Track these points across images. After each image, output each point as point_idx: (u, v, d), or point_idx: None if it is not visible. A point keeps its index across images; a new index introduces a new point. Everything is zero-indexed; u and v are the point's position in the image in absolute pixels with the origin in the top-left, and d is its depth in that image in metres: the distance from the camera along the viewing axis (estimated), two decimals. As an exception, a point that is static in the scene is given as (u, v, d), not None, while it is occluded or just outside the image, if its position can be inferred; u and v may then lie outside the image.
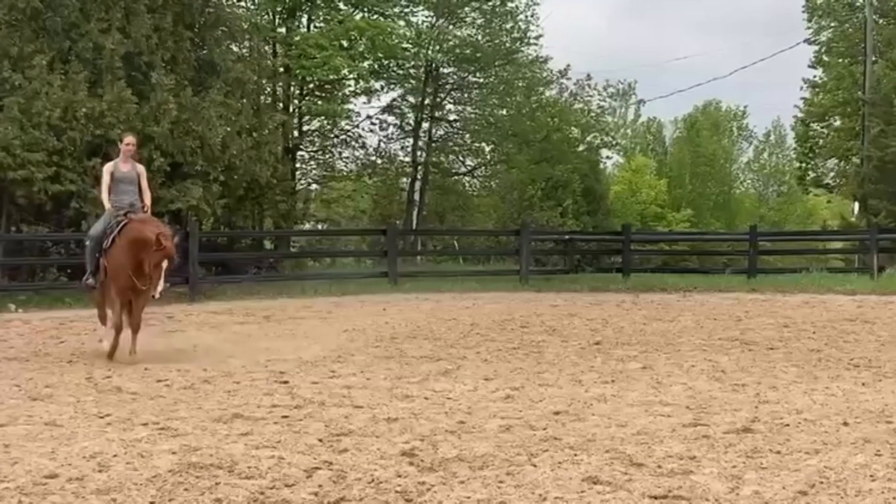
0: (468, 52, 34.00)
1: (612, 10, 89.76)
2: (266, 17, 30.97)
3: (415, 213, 35.19)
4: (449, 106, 35.82)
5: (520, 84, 34.50)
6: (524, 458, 6.56)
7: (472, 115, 35.48)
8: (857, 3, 40.95)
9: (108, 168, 12.20)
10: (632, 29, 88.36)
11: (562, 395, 9.27)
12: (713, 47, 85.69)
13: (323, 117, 32.91)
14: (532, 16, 34.72)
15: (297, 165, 31.64)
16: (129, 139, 12.62)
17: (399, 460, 6.54)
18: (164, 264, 11.26)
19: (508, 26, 34.50)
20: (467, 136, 35.98)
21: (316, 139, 33.94)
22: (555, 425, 7.79)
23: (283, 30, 31.35)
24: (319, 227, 36.29)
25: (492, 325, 15.72)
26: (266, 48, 29.79)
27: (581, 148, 34.76)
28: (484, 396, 9.27)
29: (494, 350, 12.68)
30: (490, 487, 5.87)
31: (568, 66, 36.03)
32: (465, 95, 35.53)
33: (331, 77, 31.21)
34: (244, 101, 24.95)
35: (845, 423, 7.78)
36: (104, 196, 12.00)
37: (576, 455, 6.66)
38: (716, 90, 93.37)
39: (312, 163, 34.42)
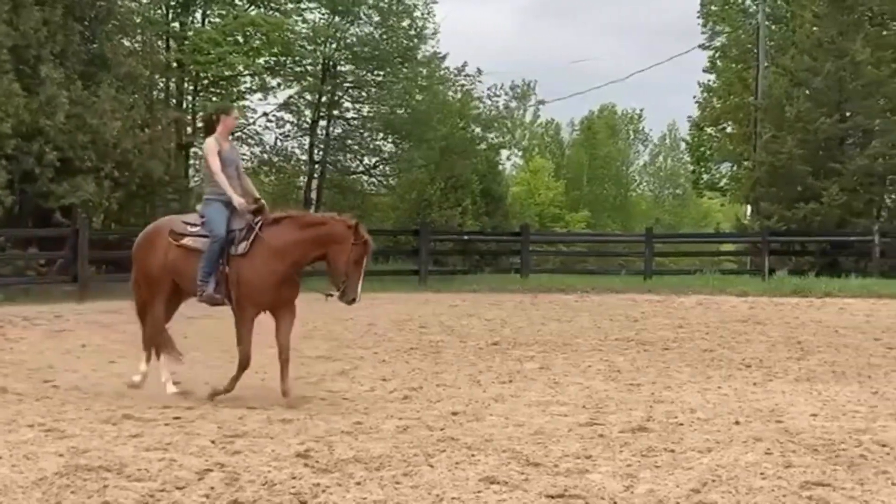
0: (366, 49, 33.85)
1: (523, 13, 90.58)
2: (159, 11, 30.36)
3: (311, 211, 34.82)
4: (347, 104, 35.62)
5: (419, 82, 34.45)
6: (421, 459, 6.51)
7: (371, 114, 35.30)
8: (751, 10, 41.90)
9: (214, 146, 9.42)
10: (542, 31, 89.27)
11: (460, 396, 9.27)
12: (620, 50, 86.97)
13: (217, 114, 32.34)
14: (428, 13, 34.71)
15: (191, 162, 31.08)
16: (236, 113, 10.95)
17: (294, 462, 6.42)
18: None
19: (405, 24, 34.41)
20: (366, 134, 35.81)
21: (210, 136, 33.32)
22: (452, 425, 7.76)
23: (177, 24, 30.79)
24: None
25: (390, 325, 15.66)
26: (159, 43, 29.24)
27: (481, 147, 34.82)
28: (381, 397, 9.23)
29: (392, 350, 12.63)
30: (386, 488, 5.80)
31: (465, 63, 36.04)
32: (364, 93, 35.36)
33: (225, 73, 30.81)
34: (136, 96, 24.45)
35: (737, 422, 7.90)
36: (224, 181, 9.31)
37: (473, 455, 6.63)
38: (616, 93, 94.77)
39: (206, 161, 33.78)
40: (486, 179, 33.72)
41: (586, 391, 9.58)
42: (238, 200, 9.27)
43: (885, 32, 37.38)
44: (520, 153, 52.68)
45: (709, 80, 43.64)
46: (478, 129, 35.36)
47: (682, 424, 7.83)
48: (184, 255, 9.26)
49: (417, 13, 34.38)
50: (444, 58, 35.30)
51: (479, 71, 35.22)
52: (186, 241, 9.27)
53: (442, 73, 35.05)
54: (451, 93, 35.42)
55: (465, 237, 29.84)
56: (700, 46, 43.40)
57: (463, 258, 29.62)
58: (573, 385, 9.96)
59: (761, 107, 37.36)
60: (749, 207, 39.33)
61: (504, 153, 39.58)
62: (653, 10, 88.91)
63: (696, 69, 44.32)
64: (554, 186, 49.63)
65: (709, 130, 44.42)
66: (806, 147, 34.07)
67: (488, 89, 36.13)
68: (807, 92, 34.92)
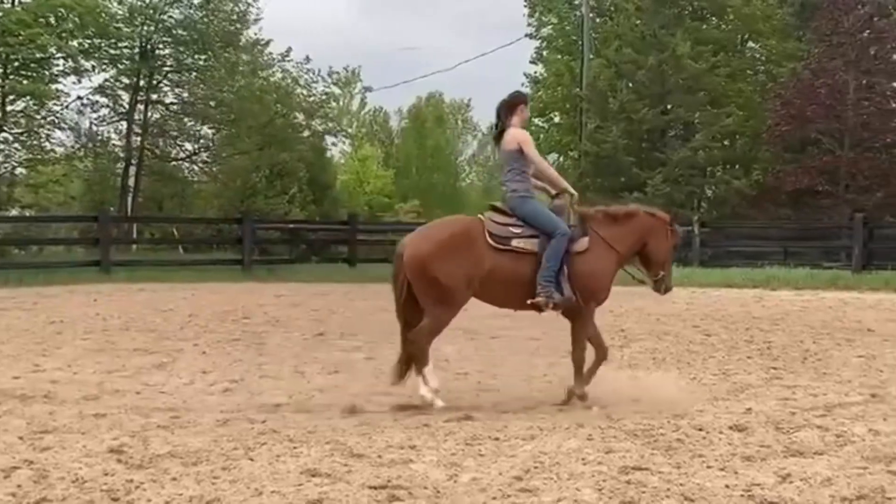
0: (186, 32, 33.07)
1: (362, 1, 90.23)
2: (-35, -9, 29.01)
3: (130, 199, 33.93)
4: (166, 88, 34.75)
5: (242, 67, 33.88)
6: (241, 452, 6.34)
7: (192, 98, 34.53)
8: (576, 1, 42.77)
9: (530, 137, 8.70)
10: (380, 19, 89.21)
11: (283, 388, 9.10)
12: (456, 40, 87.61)
13: (29, 97, 31.13)
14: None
15: (1, 148, 29.76)
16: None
17: (106, 458, 6.18)
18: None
19: (228, 8, 33.79)
20: (186, 119, 35.00)
21: (21, 120, 32.04)
22: (275, 418, 7.61)
23: (-15, 5, 29.46)
24: (26, 213, 34.36)
25: (211, 316, 15.32)
26: (-34, 24, 27.89)
27: (306, 134, 34.49)
28: (201, 390, 8.98)
29: (213, 342, 12.31)
30: (203, 483, 5.63)
31: (289, 48, 35.61)
32: (184, 77, 34.55)
33: (37, 55, 29.56)
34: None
35: (561, 410, 7.96)
36: (555, 174, 8.84)
37: (295, 448, 6.50)
38: (446, 83, 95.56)
39: (17, 145, 32.46)
40: (314, 168, 33.49)
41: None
42: (572, 192, 8.73)
43: (704, 27, 38.83)
44: (347, 141, 52.51)
45: (535, 72, 44.40)
46: (301, 116, 35.00)
47: (507, 412, 7.85)
48: (511, 261, 8.35)
49: (240, -4, 33.86)
50: (267, 43, 34.86)
51: (308, 58, 34.91)
52: (517, 243, 8.35)
53: (265, 58, 34.56)
54: (273, 79, 34.98)
55: (291, 226, 29.50)
56: (527, 36, 44.11)
57: (289, 247, 29.28)
58: (399, 375, 9.88)
59: (586, 98, 38.22)
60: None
61: (330, 140, 39.32)
62: (489, 2, 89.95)
63: (526, 60, 45.05)
64: (383, 175, 49.65)
65: (536, 121, 45.18)
66: (630, 138, 35.14)
67: (306, 73, 35.80)
68: (630, 84, 35.97)
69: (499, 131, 8.70)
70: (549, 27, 44.28)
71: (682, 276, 23.27)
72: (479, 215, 8.52)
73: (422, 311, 8.45)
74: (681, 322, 15.06)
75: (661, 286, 8.99)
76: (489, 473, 5.88)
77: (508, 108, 8.69)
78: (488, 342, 12.64)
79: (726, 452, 6.33)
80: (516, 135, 8.55)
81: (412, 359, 8.46)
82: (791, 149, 35.66)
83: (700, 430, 7.00)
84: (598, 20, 41.50)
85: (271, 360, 10.91)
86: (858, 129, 34.44)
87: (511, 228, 8.34)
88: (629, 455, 6.27)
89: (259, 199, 30.20)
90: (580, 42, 39.95)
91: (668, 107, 35.68)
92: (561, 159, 43.89)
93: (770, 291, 21.02)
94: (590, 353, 8.61)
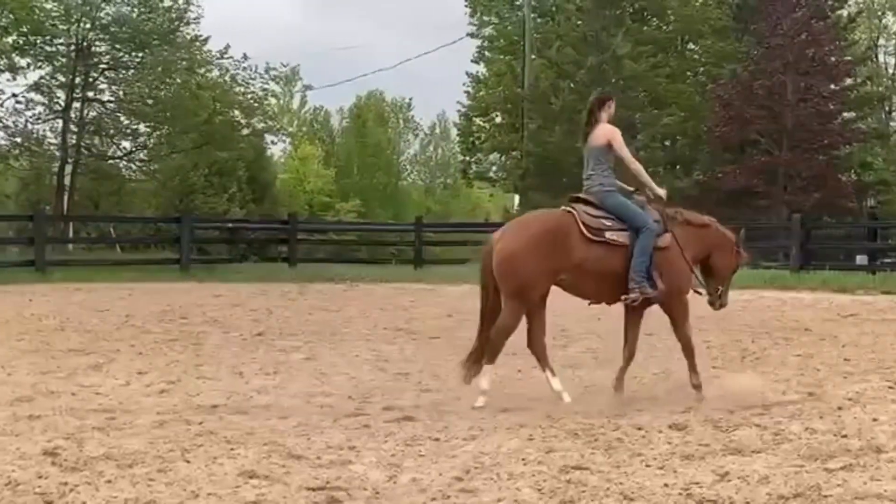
0: (123, 29, 32.65)
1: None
2: None
3: (66, 198, 33.44)
4: (103, 86, 34.29)
5: (180, 65, 33.52)
6: (177, 454, 6.25)
7: (129, 96, 34.10)
8: (518, 2, 42.92)
9: (619, 133, 8.73)
10: (325, 18, 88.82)
11: (221, 389, 8.99)
12: (398, 39, 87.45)
13: (-42, 94, 30.62)
14: (191, -3, 33.89)
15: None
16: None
17: (40, 460, 6.07)
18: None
19: (166, 5, 33.43)
20: (122, 117, 34.57)
21: (-50, 117, 31.50)
22: (212, 419, 7.50)
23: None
24: (-42, 212, 33.77)
25: (149, 316, 15.15)
26: None
27: (245, 132, 34.20)
28: (137, 391, 8.85)
29: (150, 342, 12.16)
30: (139, 486, 5.55)
31: (227, 45, 35.24)
32: (121, 75, 34.12)
33: (-31, 52, 29.05)
34: None
35: (504, 410, 7.94)
36: (642, 170, 8.78)
37: (232, 449, 6.42)
38: (389, 81, 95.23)
39: (-54, 143, 31.94)
40: (253, 166, 33.24)
41: (353, 381, 9.47)
42: (660, 191, 8.76)
43: (645, 28, 39.15)
44: (288, 140, 52.24)
45: (477, 71, 44.47)
46: (240, 114, 34.70)
47: (448, 412, 7.82)
48: (604, 253, 8.36)
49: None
50: (206, 41, 34.51)
51: (245, 56, 34.59)
52: (610, 235, 8.37)
53: (203, 55, 34.21)
54: (211, 76, 34.66)
55: (230, 225, 29.26)
56: (469, 36, 44.17)
57: (228, 247, 29.04)
58: (340, 375, 9.83)
59: (528, 98, 38.35)
60: (518, 197, 40.31)
61: (270, 139, 38.99)
62: (433, 1, 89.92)
63: (468, 60, 45.14)
64: (323, 174, 49.39)
65: (478, 121, 45.26)
66: (572, 138, 35.20)
67: (244, 71, 35.49)
68: (572, 84, 36.12)
69: (586, 125, 8.76)
70: (491, 27, 44.39)
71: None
72: (568, 207, 8.54)
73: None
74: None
75: (717, 302, 9.12)
76: (429, 474, 5.85)
77: (599, 103, 8.78)
78: (430, 342, 12.61)
79: (665, 451, 6.35)
80: (606, 130, 8.63)
81: (485, 354, 8.39)
82: (730, 149, 36.11)
83: (640, 429, 7.01)
84: (539, 20, 41.67)
85: (209, 360, 10.79)
86: (796, 131, 34.95)
87: (603, 220, 8.40)
88: (569, 454, 6.27)
89: (198, 197, 29.90)
90: (522, 42, 40.08)
91: (610, 107, 35.93)
92: (503, 159, 43.99)
93: (709, 291, 21.18)
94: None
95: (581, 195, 8.60)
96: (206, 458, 6.19)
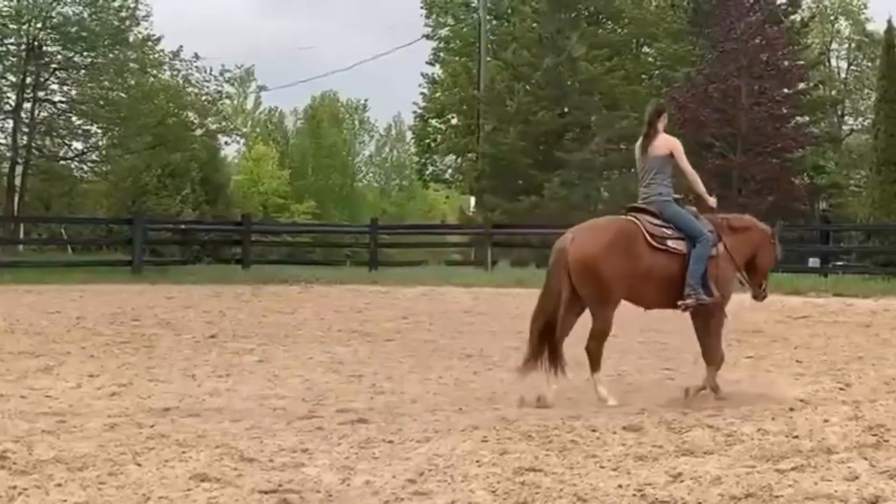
0: (73, 29, 32.28)
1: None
2: None
3: (16, 199, 33.01)
4: (54, 86, 33.92)
5: (132, 65, 33.19)
6: (128, 457, 6.19)
7: (81, 97, 33.71)
8: (473, 3, 42.95)
9: (680, 144, 9.20)
10: (282, 19, 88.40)
11: (173, 391, 8.92)
12: (357, 40, 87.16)
13: None
14: (140, -5, 33.58)
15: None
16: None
17: (-10, 464, 5.97)
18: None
19: (116, 4, 33.10)
20: (74, 118, 34.19)
21: None
22: (164, 422, 7.44)
23: None
24: None
25: (100, 318, 14.97)
26: None
27: (198, 133, 33.93)
28: (88, 394, 8.76)
29: (102, 345, 12.02)
30: (90, 489, 5.49)
31: (181, 46, 34.94)
32: (73, 75, 33.74)
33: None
34: None
35: (459, 410, 7.93)
36: (698, 180, 9.16)
37: (184, 452, 6.36)
38: (344, 83, 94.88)
39: None
40: (207, 167, 32.99)
41: (307, 384, 9.43)
42: (712, 200, 9.13)
43: (600, 31, 39.33)
44: (242, 141, 51.94)
45: (433, 73, 44.46)
46: (193, 115, 34.43)
47: (402, 415, 7.79)
48: (666, 261, 8.68)
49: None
50: (158, 40, 34.21)
51: (197, 56, 34.30)
52: (672, 243, 8.71)
53: (156, 56, 33.90)
54: (163, 77, 34.37)
55: (183, 226, 29.03)
56: (425, 37, 44.15)
57: (181, 248, 28.81)
58: (293, 378, 9.79)
59: (484, 100, 38.38)
60: (473, 199, 40.35)
61: (223, 140, 38.69)
62: (389, 2, 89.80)
63: (423, 61, 45.10)
64: (278, 175, 49.12)
65: (434, 122, 45.23)
66: (527, 140, 35.35)
67: (197, 72, 35.18)
68: (527, 87, 36.17)
69: (646, 135, 9.01)
70: (447, 28, 44.41)
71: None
72: (630, 216, 8.86)
73: (574, 311, 8.69)
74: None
75: (761, 295, 9.57)
76: (382, 476, 5.82)
77: (657, 114, 9.07)
78: (384, 344, 12.57)
79: (619, 453, 6.36)
80: (668, 141, 8.98)
81: (554, 358, 8.60)
82: (685, 152, 36.26)
83: (594, 430, 7.03)
84: (494, 22, 41.74)
85: (161, 363, 10.70)
86: (750, 134, 35.25)
87: (664, 229, 8.72)
88: (523, 456, 6.26)
89: (150, 199, 29.59)
90: (477, 44, 40.13)
91: (566, 109, 36.02)
92: (459, 161, 43.98)
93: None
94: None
95: (639, 204, 8.92)
96: (157, 461, 6.13)
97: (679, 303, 8.72)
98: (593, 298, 8.56)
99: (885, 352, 11.82)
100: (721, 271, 8.85)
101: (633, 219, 8.76)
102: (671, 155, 8.90)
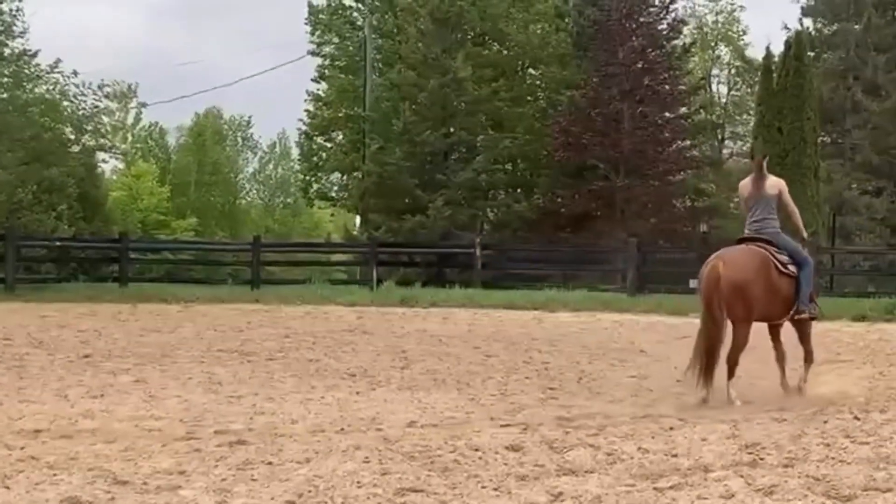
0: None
1: (156, 15, 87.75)
2: None
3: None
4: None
5: (5, 79, 32.18)
6: (-4, 481, 5.95)
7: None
8: (358, 22, 42.89)
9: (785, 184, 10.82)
10: (169, 34, 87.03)
11: (44, 413, 8.62)
12: (241, 55, 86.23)
13: None
14: (17, 10, 32.55)
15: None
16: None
17: None
18: None
19: (-10, 20, 32.09)
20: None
21: None
22: (34, 444, 7.19)
23: None
24: None
25: (-31, 338, 14.42)
26: None
27: (76, 149, 33.02)
28: (-46, 416, 8.38)
29: (-30, 365, 11.57)
30: (-46, 515, 5.27)
31: (58, 60, 33.94)
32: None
33: None
34: None
35: (341, 431, 7.84)
36: (798, 214, 10.82)
37: (55, 475, 6.15)
38: (228, 99, 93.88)
39: None
40: (84, 183, 32.14)
41: (185, 404, 9.22)
42: (805, 233, 10.85)
43: (485, 52, 39.62)
44: (121, 157, 50.73)
45: (318, 90, 44.19)
46: (70, 131, 33.50)
47: (282, 436, 7.66)
48: (787, 282, 10.22)
49: (4, 7, 32.10)
50: (34, 55, 33.24)
51: (75, 72, 33.38)
52: (790, 268, 10.24)
53: (32, 70, 32.93)
54: (39, 91, 33.38)
55: (59, 243, 28.25)
56: (309, 53, 43.90)
57: (57, 266, 28.03)
58: (171, 398, 9.56)
59: (369, 119, 38.32)
60: (359, 218, 40.19)
61: (102, 156, 37.71)
62: (280, 18, 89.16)
63: (302, 79, 44.83)
64: (158, 192, 48.16)
65: (319, 140, 44.92)
66: (413, 160, 35.38)
67: (75, 87, 34.22)
68: (413, 106, 36.23)
69: (759, 176, 10.54)
70: (332, 46, 44.23)
71: (465, 298, 23.59)
72: (759, 245, 10.26)
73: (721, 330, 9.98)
74: (462, 343, 15.22)
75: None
76: (261, 499, 5.70)
77: (766, 159, 11.09)
78: (265, 364, 12.39)
79: (501, 472, 6.34)
80: (779, 183, 10.62)
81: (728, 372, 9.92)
82: (569, 174, 36.79)
83: (476, 450, 7.00)
84: (380, 41, 41.74)
85: (32, 383, 10.36)
86: (633, 157, 35.89)
87: (783, 256, 10.25)
88: (405, 477, 6.19)
89: (25, 215, 28.63)
90: (363, 63, 40.07)
91: (451, 129, 36.16)
92: (344, 178, 43.76)
93: (549, 313, 21.42)
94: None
95: (754, 235, 10.37)
96: (27, 484, 5.94)
97: (795, 315, 10.38)
98: (739, 317, 9.91)
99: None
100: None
101: (763, 247, 10.21)
102: (781, 194, 10.49)
